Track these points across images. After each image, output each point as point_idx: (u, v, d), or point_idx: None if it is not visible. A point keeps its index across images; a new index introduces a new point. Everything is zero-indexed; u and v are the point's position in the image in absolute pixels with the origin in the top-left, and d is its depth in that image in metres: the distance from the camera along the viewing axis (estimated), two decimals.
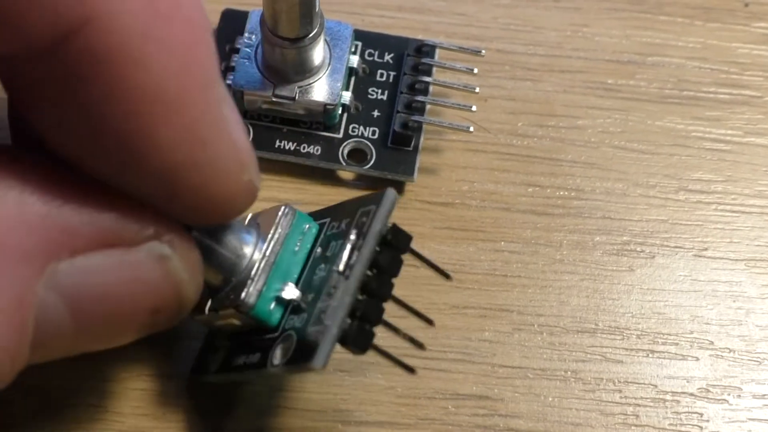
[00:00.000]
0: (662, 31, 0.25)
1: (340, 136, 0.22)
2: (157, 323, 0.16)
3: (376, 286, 0.16)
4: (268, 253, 0.17)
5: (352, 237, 0.16)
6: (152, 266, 0.15)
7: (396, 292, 0.21)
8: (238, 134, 0.15)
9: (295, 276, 0.17)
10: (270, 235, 0.17)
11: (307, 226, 0.18)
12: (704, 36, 0.25)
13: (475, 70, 0.22)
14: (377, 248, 0.16)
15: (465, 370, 0.21)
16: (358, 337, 0.16)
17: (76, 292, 0.14)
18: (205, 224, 0.16)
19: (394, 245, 0.16)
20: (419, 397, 0.20)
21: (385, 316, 0.16)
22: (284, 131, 0.22)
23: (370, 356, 0.20)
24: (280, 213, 0.17)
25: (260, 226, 0.17)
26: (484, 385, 0.20)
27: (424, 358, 0.20)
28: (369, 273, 0.16)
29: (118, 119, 0.13)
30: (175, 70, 0.13)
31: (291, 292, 0.17)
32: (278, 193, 0.22)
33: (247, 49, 0.22)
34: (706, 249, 0.22)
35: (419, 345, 0.17)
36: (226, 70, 0.22)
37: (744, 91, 0.24)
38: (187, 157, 0.14)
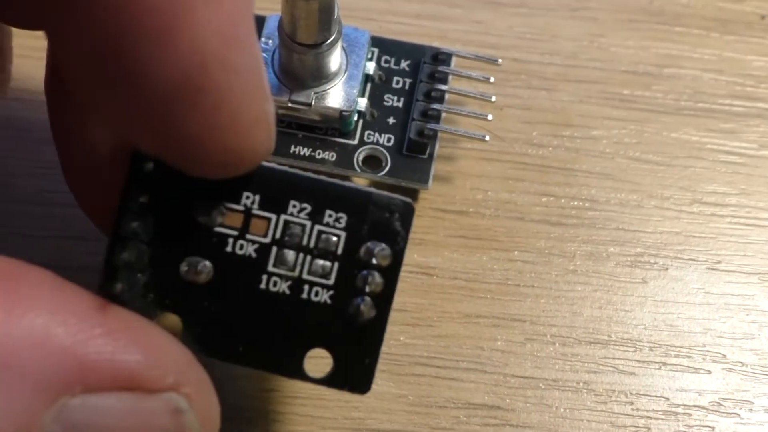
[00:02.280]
0: (678, 43, 0.25)
1: (356, 142, 0.22)
2: None
3: None
4: None
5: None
6: (166, 418, 0.14)
7: (409, 300, 0.21)
8: (261, 63, 0.14)
9: None
10: None
11: None
12: (720, 48, 0.25)
13: (492, 79, 0.22)
14: None
15: (477, 380, 0.21)
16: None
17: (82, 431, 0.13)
18: (217, 171, 0.15)
19: None
20: (431, 406, 0.20)
21: None
22: (300, 137, 0.22)
23: (383, 364, 0.21)
24: None
25: None
26: (495, 395, 0.20)
27: (437, 366, 0.21)
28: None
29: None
30: None
31: None
32: None
33: (264, 54, 0.22)
34: (719, 262, 0.22)
35: None
36: None
37: (759, 103, 0.24)
38: (219, 50, 0.13)
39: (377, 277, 0.16)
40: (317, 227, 0.16)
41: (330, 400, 0.20)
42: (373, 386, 0.20)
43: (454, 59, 0.23)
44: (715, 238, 0.23)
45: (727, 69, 0.25)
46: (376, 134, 0.22)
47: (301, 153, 0.22)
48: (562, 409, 0.20)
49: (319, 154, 0.22)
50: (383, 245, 0.16)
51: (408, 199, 0.16)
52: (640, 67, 0.24)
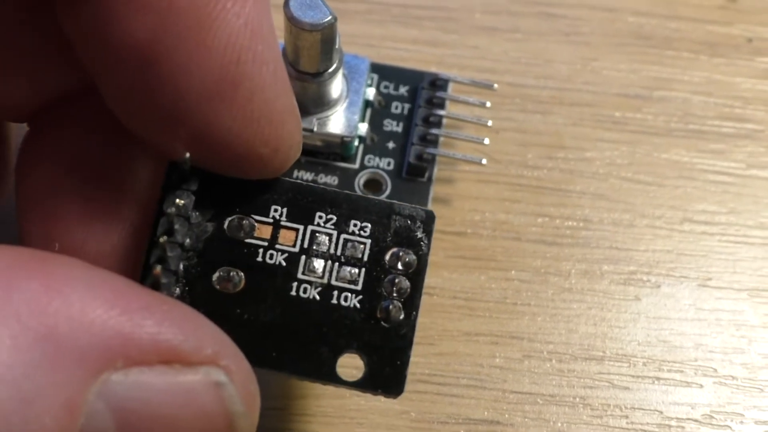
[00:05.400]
0: (668, 66, 0.26)
1: (357, 166, 0.23)
2: None
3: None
4: None
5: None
6: (206, 392, 0.14)
7: None
8: (281, 54, 0.15)
9: None
10: None
11: None
12: (709, 71, 0.26)
13: (488, 104, 0.23)
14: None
15: (477, 396, 0.21)
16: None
17: (125, 407, 0.13)
18: (253, 166, 0.16)
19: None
20: (433, 422, 0.21)
21: None
22: (302, 162, 0.23)
23: None
24: None
25: None
26: (495, 411, 0.21)
27: (438, 383, 0.21)
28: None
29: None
30: None
31: None
32: None
33: None
34: (710, 279, 0.23)
35: None
36: None
37: (747, 124, 0.25)
38: (250, 43, 0.14)
39: (404, 281, 0.16)
40: (343, 236, 0.17)
41: (335, 417, 0.21)
42: (376, 403, 0.21)
43: (451, 84, 0.24)
44: (706, 255, 0.23)
45: (715, 91, 0.25)
46: (377, 158, 0.23)
47: (304, 177, 0.23)
48: (559, 424, 0.21)
49: (321, 178, 0.23)
50: (408, 250, 0.17)
51: (429, 209, 0.17)
52: (632, 90, 0.25)
